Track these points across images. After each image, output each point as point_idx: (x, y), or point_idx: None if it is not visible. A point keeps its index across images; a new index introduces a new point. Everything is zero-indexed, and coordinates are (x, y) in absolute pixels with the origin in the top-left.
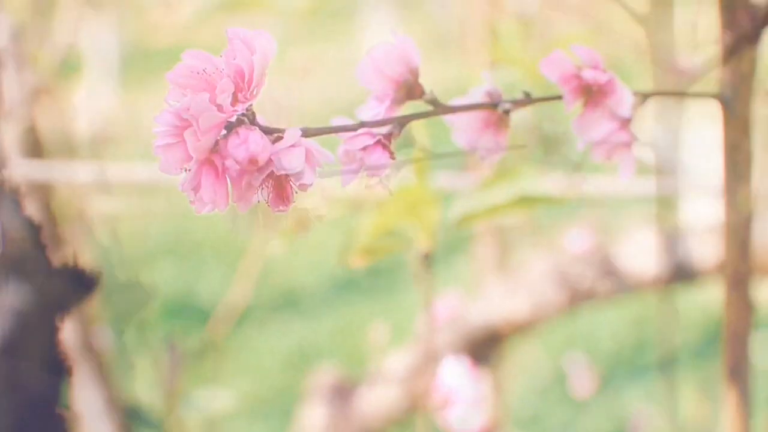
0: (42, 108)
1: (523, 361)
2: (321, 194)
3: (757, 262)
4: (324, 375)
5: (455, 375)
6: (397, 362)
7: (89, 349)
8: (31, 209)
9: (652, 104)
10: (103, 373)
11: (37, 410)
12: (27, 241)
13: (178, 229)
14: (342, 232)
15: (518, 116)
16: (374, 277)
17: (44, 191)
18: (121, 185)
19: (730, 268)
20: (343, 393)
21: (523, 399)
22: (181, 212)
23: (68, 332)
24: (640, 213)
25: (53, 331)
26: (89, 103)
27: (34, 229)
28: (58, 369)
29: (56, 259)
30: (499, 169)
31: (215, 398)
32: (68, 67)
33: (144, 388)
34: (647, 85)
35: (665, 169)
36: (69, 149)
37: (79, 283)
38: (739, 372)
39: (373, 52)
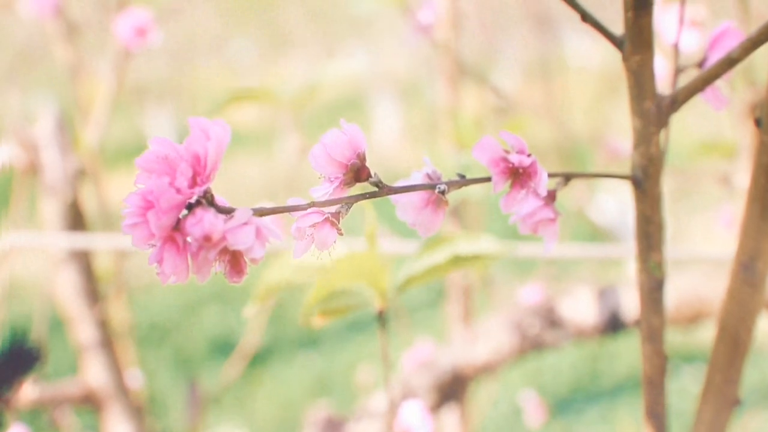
0: (84, 187)
1: (505, 391)
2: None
3: (670, 317)
4: (318, 410)
5: (412, 415)
6: (380, 399)
7: (122, 389)
8: (72, 274)
9: (605, 182)
10: (135, 409)
11: None
12: None
13: (222, 279)
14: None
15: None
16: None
17: (85, 258)
18: None
19: (644, 324)
20: (334, 426)
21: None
22: None
23: (102, 375)
24: (590, 271)
25: None
26: None
27: None
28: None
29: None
30: (436, 235)
31: None
32: (137, 149)
33: (177, 422)
34: (598, 163)
35: (616, 235)
36: (110, 222)
37: (24, 361)
38: (655, 413)
39: (324, 140)
